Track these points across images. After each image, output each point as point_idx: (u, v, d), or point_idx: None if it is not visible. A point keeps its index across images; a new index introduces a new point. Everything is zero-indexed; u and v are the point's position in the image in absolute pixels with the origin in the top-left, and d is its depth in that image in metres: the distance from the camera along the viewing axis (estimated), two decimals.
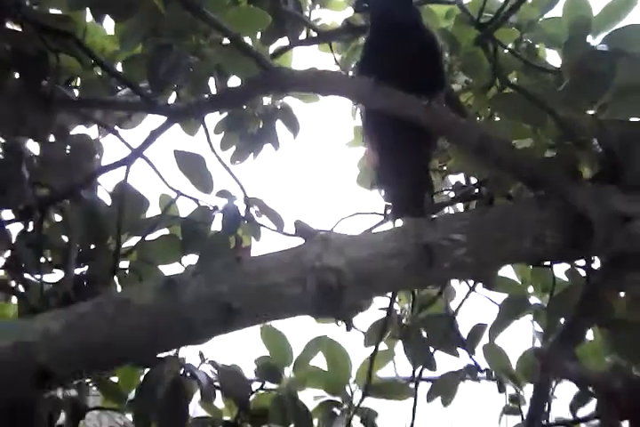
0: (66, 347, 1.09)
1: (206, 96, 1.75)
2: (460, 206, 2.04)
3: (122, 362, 1.34)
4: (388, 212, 1.55)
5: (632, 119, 1.45)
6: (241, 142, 2.25)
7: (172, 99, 1.94)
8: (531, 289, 1.88)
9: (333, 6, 2.34)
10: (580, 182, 1.31)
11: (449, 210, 2.00)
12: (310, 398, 1.95)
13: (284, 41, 2.23)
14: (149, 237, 1.84)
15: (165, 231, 1.87)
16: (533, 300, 1.89)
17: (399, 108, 1.42)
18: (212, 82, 1.89)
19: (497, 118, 1.90)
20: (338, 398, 1.97)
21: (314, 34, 2.24)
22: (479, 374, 1.99)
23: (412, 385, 1.98)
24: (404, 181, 1.53)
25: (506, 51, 1.89)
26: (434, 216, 1.24)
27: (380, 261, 1.16)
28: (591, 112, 1.43)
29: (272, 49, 2.25)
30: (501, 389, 1.98)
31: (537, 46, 2.05)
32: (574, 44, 1.44)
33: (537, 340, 1.94)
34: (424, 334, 2.03)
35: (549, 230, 1.25)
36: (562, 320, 1.61)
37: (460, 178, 2.23)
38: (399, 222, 1.50)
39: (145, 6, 1.72)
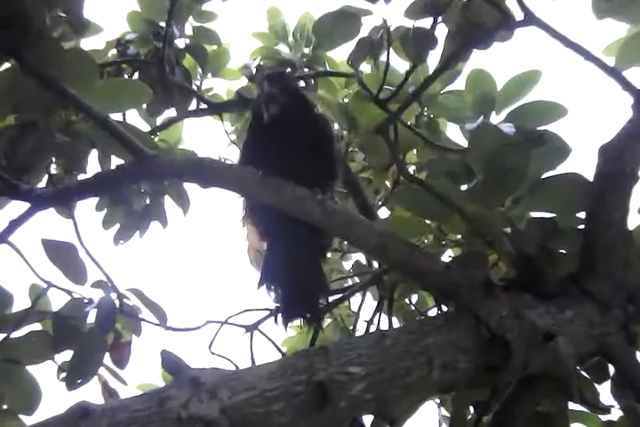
0: None
1: (74, 181, 1.48)
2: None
3: None
4: (278, 315, 1.30)
5: (546, 215, 1.25)
6: (125, 220, 1.97)
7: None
8: None
9: (226, 75, 2.11)
10: (494, 294, 1.09)
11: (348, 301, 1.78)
12: None
13: (172, 112, 1.99)
14: (16, 334, 1.54)
15: (35, 327, 1.58)
16: None
17: (290, 204, 1.19)
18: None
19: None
20: None
21: (204, 105, 2.00)
22: None
23: None
24: (294, 280, 1.28)
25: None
26: (326, 344, 0.99)
27: (262, 405, 0.91)
28: (502, 208, 1.22)
29: (160, 120, 2.01)
30: None
31: (438, 120, 1.87)
32: (482, 132, 1.23)
33: (443, 425, 1.77)
34: None
35: (462, 355, 1.02)
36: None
37: (360, 256, 2.02)
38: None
39: (6, 75, 1.45)
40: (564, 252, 1.23)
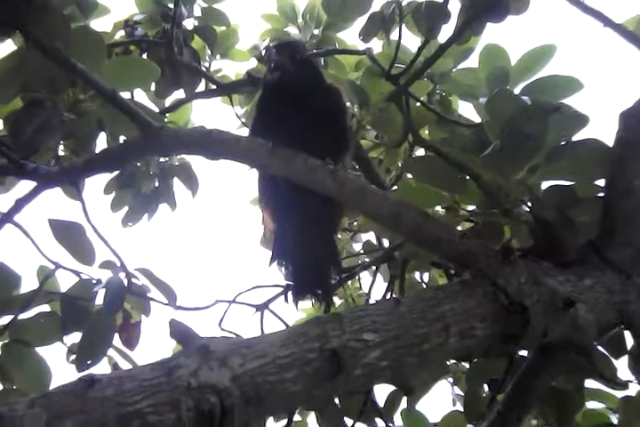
0: None
1: (81, 159, 1.45)
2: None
3: None
4: (289, 293, 1.26)
5: (564, 183, 1.21)
6: (134, 202, 1.95)
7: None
8: None
9: (235, 57, 2.08)
10: (512, 261, 1.05)
11: (358, 277, 1.74)
12: None
13: (181, 93, 1.96)
14: (24, 316, 1.52)
15: (44, 308, 1.56)
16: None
17: (301, 174, 1.15)
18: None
19: (409, 176, 1.67)
20: None
21: (213, 86, 1.96)
22: None
23: None
24: (306, 255, 1.25)
25: (418, 104, 1.66)
26: (339, 312, 0.95)
27: (274, 373, 0.87)
28: (519, 176, 1.18)
29: (169, 102, 1.98)
30: None
31: (450, 98, 1.83)
32: (499, 100, 1.19)
33: (457, 403, 1.76)
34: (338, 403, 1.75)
35: (479, 322, 0.99)
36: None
37: (371, 236, 1.99)
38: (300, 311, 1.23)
39: (14, 55, 1.43)
40: (583, 220, 1.18)
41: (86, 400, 0.81)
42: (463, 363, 1.67)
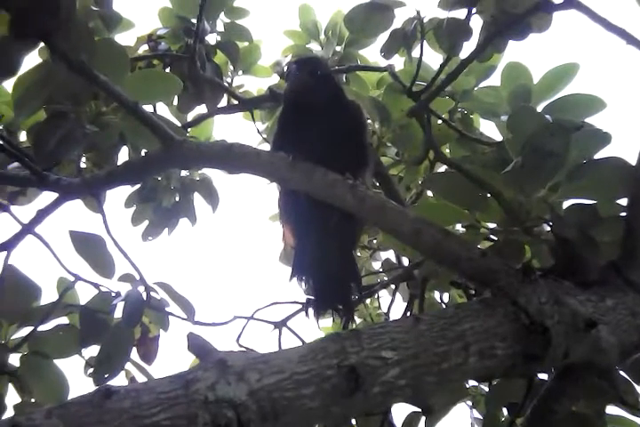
0: None
1: (102, 171, 1.45)
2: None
3: None
4: (309, 309, 1.26)
5: (586, 202, 1.20)
6: (154, 216, 1.95)
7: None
8: None
9: (257, 72, 2.09)
10: (533, 279, 1.04)
11: (377, 296, 1.73)
12: None
13: (203, 108, 1.96)
14: (43, 328, 1.52)
15: (63, 320, 1.56)
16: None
17: (321, 188, 1.15)
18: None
19: (429, 193, 1.67)
20: None
21: (235, 102, 1.97)
22: None
23: None
24: (326, 270, 1.24)
25: (439, 121, 1.65)
26: (358, 328, 0.94)
27: (291, 388, 0.87)
28: (540, 194, 1.17)
29: (191, 117, 1.99)
30: None
31: (472, 116, 1.83)
32: (522, 117, 1.18)
33: (476, 426, 1.72)
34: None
35: (500, 341, 0.97)
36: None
37: (390, 254, 1.98)
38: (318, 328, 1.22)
39: (39, 68, 1.44)
40: (604, 240, 1.17)
41: (103, 411, 0.81)
42: (482, 386, 1.65)
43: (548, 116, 1.34)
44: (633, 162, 1.18)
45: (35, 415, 0.81)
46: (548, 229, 1.16)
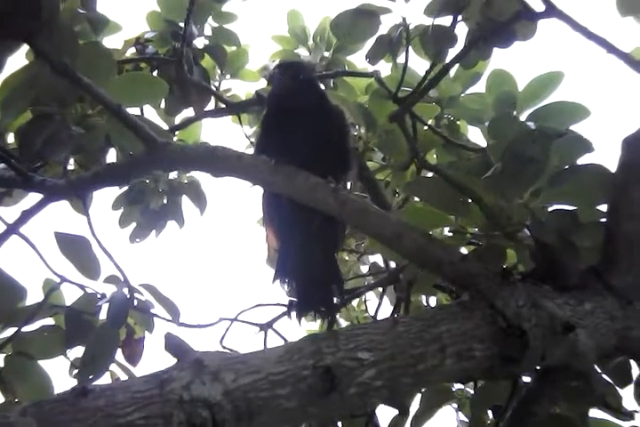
0: None
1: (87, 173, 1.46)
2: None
3: None
4: (292, 311, 1.26)
5: (566, 208, 1.21)
6: (142, 219, 1.95)
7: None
8: None
9: (245, 77, 2.10)
10: (511, 282, 1.05)
11: (364, 299, 1.73)
12: None
13: (190, 112, 1.97)
14: (28, 328, 1.52)
15: (48, 321, 1.56)
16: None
17: (303, 192, 1.15)
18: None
19: (416, 198, 1.67)
20: None
21: (223, 105, 1.98)
22: None
23: None
24: (308, 272, 1.25)
25: (425, 127, 1.66)
26: (335, 329, 0.95)
27: (267, 389, 0.87)
28: (521, 199, 1.18)
29: (179, 120, 1.99)
30: None
31: (458, 123, 1.84)
32: (502, 123, 1.19)
33: None
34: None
35: (478, 343, 0.98)
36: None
37: (378, 258, 1.99)
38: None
39: (26, 70, 1.44)
40: (585, 245, 1.18)
41: (78, 410, 0.81)
42: (468, 388, 1.65)
43: (530, 123, 1.36)
44: (613, 169, 1.19)
45: (10, 413, 0.81)
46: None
